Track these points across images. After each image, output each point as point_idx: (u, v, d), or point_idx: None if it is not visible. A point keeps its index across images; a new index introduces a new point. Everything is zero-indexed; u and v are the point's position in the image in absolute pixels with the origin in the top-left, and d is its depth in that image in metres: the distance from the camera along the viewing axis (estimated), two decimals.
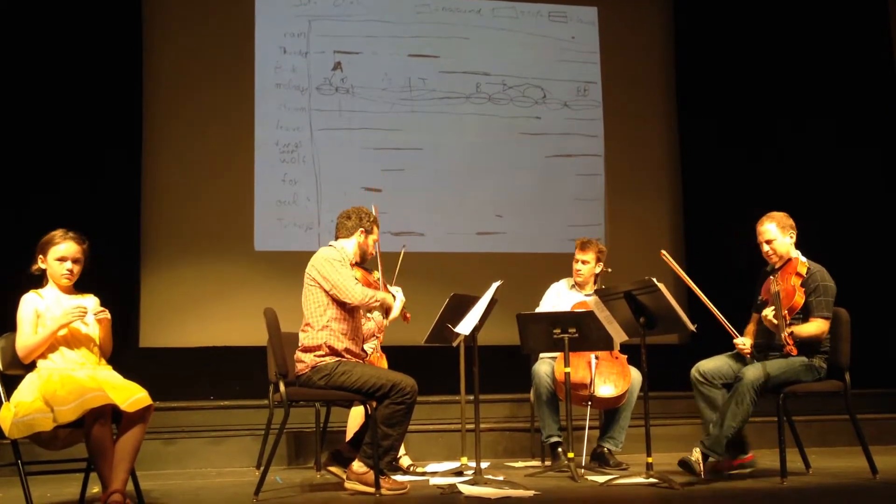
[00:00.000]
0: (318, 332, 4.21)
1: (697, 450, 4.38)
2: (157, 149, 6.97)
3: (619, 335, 4.55)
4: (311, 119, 7.27)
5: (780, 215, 4.60)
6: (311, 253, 4.41)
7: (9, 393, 3.75)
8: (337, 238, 4.52)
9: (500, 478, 4.60)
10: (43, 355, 3.76)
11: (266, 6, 7.30)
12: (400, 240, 7.23)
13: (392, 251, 6.82)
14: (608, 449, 5.04)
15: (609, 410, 5.09)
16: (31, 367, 3.77)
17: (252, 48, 7.23)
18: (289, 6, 7.33)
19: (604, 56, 7.81)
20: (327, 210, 7.05)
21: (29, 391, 3.66)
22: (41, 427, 3.54)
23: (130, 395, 3.63)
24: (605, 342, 4.72)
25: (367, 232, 4.50)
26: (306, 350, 4.23)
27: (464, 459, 5.06)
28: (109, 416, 3.59)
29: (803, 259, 4.54)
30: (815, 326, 4.43)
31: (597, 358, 5.01)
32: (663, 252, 4.55)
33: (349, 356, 4.25)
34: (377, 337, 4.97)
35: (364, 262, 4.58)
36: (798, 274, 4.47)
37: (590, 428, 5.00)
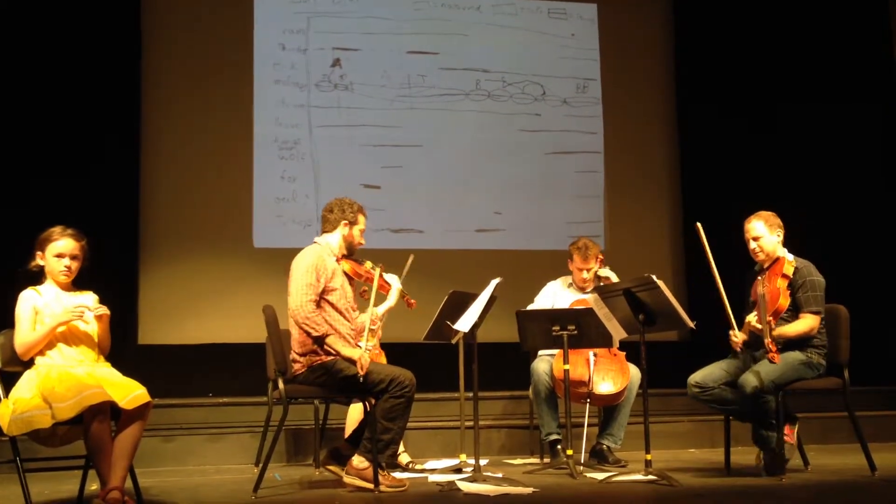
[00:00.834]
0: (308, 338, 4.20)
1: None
2: (155, 145, 6.97)
3: (618, 332, 4.55)
4: (310, 116, 7.26)
5: (767, 214, 4.60)
6: None
7: (7, 390, 3.74)
8: (322, 233, 4.47)
9: (499, 475, 4.60)
10: (41, 352, 3.76)
11: (265, 2, 7.29)
12: (399, 237, 7.24)
13: (393, 248, 6.90)
14: (607, 446, 5.04)
15: (608, 407, 5.09)
16: (30, 363, 3.76)
17: (251, 44, 7.22)
18: (288, 3, 7.32)
19: (603, 53, 7.81)
20: None
21: (27, 388, 3.66)
22: (40, 424, 3.54)
23: (129, 392, 3.63)
24: (604, 339, 4.71)
25: (352, 223, 4.42)
26: (301, 353, 4.22)
27: (462, 456, 5.06)
28: (108, 413, 3.58)
29: (790, 258, 4.53)
30: (805, 323, 4.42)
31: (595, 355, 5.00)
32: (698, 225, 4.46)
33: None
34: (371, 330, 4.88)
35: (352, 253, 4.49)
36: (784, 275, 4.46)
37: (589, 425, 5.00)
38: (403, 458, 5.01)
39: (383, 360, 5.04)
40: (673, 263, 7.69)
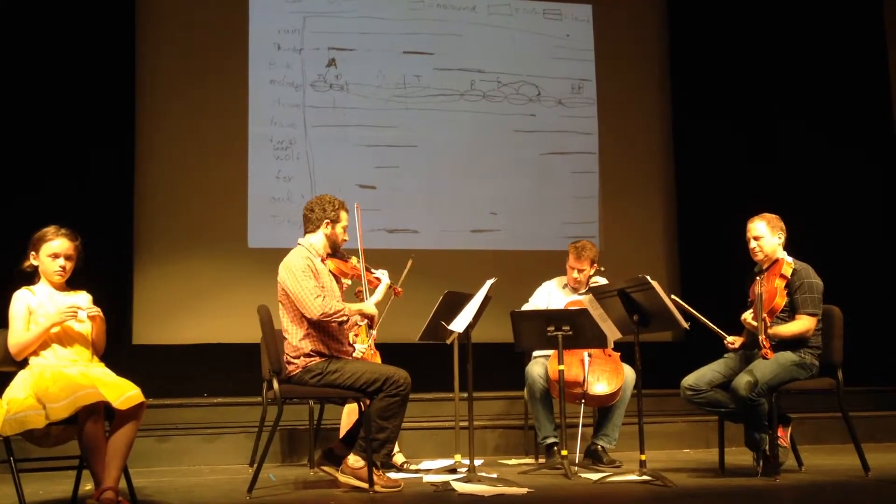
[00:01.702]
0: (300, 341, 4.19)
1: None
2: (150, 145, 6.95)
3: (612, 333, 4.56)
4: (305, 116, 7.25)
5: (771, 216, 4.65)
6: None
7: (1, 390, 3.73)
8: (305, 233, 4.43)
9: (494, 475, 4.60)
10: (35, 352, 3.75)
11: (260, 2, 7.28)
12: (394, 237, 7.24)
13: (388, 249, 6.90)
14: (602, 446, 5.04)
15: (603, 408, 5.10)
16: (24, 364, 3.76)
17: (246, 44, 7.20)
18: (283, 2, 7.31)
19: (598, 54, 7.81)
20: None
21: (21, 388, 3.65)
22: (33, 424, 3.53)
23: (123, 392, 3.62)
24: (598, 340, 4.72)
25: (334, 221, 4.36)
26: (294, 356, 4.22)
27: (457, 457, 5.06)
28: (102, 414, 3.57)
29: (789, 260, 4.56)
30: (801, 324, 4.45)
31: (590, 356, 5.00)
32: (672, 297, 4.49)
33: (338, 354, 4.25)
34: (358, 325, 4.81)
35: (336, 251, 4.44)
36: (782, 276, 4.50)
37: (583, 426, 5.00)
38: (398, 459, 5.01)
39: (378, 360, 5.04)
40: (667, 264, 7.70)
